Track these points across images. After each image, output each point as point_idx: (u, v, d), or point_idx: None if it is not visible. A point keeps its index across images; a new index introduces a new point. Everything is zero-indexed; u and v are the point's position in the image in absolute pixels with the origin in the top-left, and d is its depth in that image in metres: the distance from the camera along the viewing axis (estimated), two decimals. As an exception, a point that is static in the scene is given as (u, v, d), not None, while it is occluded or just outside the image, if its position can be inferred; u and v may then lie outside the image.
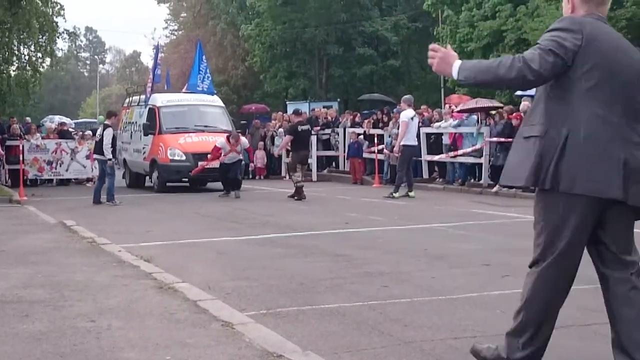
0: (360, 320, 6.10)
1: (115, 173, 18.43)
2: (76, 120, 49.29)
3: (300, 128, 18.66)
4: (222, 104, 24.80)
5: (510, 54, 31.61)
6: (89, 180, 24.69)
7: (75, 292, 7.11)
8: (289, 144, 19.37)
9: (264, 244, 10.69)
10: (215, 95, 25.12)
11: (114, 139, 18.24)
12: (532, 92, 17.38)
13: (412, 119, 18.27)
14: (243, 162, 21.01)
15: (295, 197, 17.92)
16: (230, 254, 9.92)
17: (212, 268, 8.77)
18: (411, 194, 18.12)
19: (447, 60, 4.41)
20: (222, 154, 19.52)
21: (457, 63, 4.35)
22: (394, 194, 18.05)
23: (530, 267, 4.58)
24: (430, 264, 8.77)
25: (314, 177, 25.77)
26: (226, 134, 20.18)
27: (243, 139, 20.56)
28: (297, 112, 19.98)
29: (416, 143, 19.12)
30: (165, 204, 17.84)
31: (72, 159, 24.99)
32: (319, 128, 27.16)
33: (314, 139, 26.42)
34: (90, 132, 26.65)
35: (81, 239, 11.13)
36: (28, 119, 32.59)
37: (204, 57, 25.55)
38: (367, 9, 46.55)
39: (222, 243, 10.96)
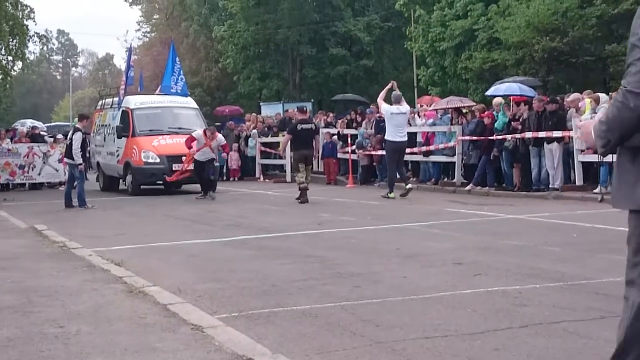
0: (332, 321, 6.09)
1: (84, 177, 18.15)
2: (48, 124, 48.88)
3: (300, 126, 18.01)
4: (196, 105, 24.61)
5: (482, 52, 32.00)
6: (61, 184, 24.46)
7: (44, 298, 7.04)
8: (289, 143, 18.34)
9: (236, 246, 10.66)
10: (189, 97, 24.91)
11: (84, 142, 18.03)
12: (503, 90, 17.31)
13: (391, 113, 17.78)
14: (218, 164, 20.85)
15: (298, 200, 17.33)
16: (202, 256, 9.87)
17: (184, 271, 8.72)
18: (391, 195, 17.52)
19: (587, 129, 3.67)
20: (195, 147, 19.37)
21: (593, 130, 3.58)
22: (389, 194, 17.48)
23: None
24: (402, 263, 8.77)
25: (288, 178, 25.72)
26: (204, 128, 19.85)
27: (219, 135, 20.26)
28: (300, 110, 19.39)
29: (399, 139, 17.96)
30: (137, 207, 17.73)
31: (44, 162, 24.80)
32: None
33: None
34: (62, 136, 26.41)
35: (52, 243, 11.03)
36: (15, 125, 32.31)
37: (177, 58, 25.36)
38: (339, 9, 46.62)
39: (194, 245, 10.90)
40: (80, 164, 17.67)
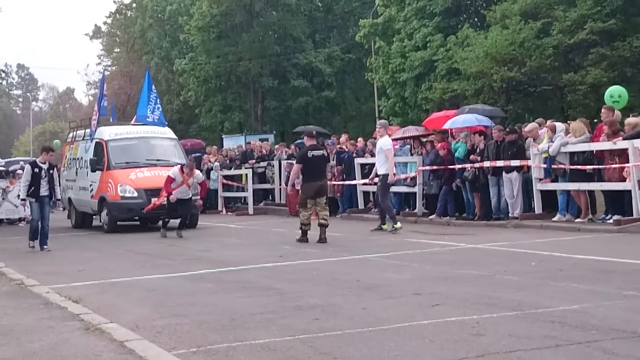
0: (290, 355, 6.07)
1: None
2: (7, 160, 48.40)
3: (310, 154, 15.38)
4: (174, 135, 23.47)
5: (442, 83, 32.36)
6: (21, 220, 24.23)
7: (-1, 337, 6.96)
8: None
9: (196, 280, 10.60)
10: (166, 127, 23.60)
11: (51, 176, 16.98)
12: (461, 122, 17.28)
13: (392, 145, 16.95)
14: (199, 201, 19.41)
15: (297, 238, 15.42)
16: (162, 291, 9.79)
17: (143, 306, 8.65)
18: (384, 227, 16.67)
19: None
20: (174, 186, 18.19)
21: None
22: (394, 225, 16.18)
23: None
24: (362, 295, 8.77)
25: (251, 211, 25.72)
26: (180, 164, 18.81)
27: (197, 172, 18.97)
28: (309, 135, 16.26)
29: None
30: (100, 243, 17.56)
31: (3, 198, 24.52)
32: (254, 161, 27.15)
33: (249, 172, 26.32)
34: (20, 171, 25.99)
35: (9, 281, 10.90)
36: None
37: (153, 87, 24.32)
38: (300, 41, 46.97)
39: (154, 281, 10.82)
40: (24, 200, 16.81)
